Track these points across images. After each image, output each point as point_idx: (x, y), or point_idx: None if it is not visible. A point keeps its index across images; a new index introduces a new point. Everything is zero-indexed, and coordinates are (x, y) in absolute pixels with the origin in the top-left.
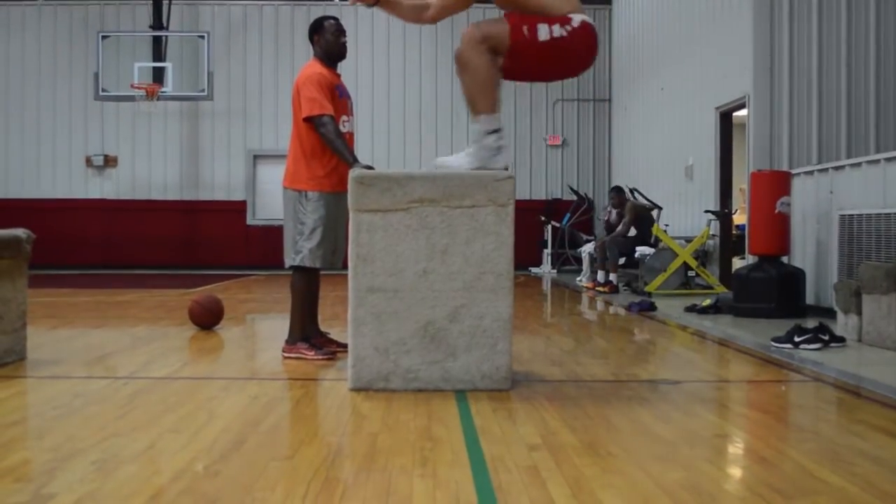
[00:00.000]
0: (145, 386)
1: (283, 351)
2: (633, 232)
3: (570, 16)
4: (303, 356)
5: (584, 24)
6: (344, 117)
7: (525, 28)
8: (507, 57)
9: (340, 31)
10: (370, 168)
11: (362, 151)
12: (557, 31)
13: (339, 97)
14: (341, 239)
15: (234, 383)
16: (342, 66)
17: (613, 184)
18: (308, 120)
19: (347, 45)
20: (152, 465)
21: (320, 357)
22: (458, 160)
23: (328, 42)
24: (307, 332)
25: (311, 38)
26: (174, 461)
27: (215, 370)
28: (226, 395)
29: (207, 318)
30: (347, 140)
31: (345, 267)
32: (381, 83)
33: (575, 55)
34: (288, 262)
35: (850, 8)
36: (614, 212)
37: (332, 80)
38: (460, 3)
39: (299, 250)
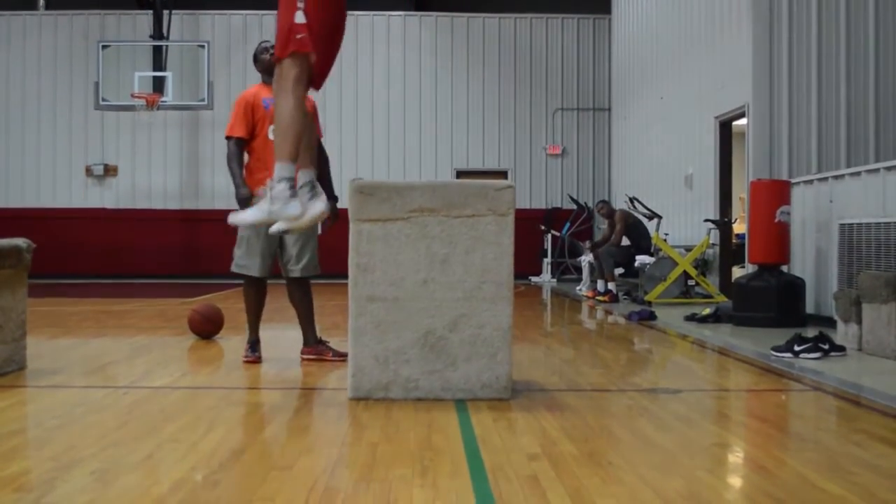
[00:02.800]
0: (145, 395)
1: (301, 353)
2: (625, 241)
3: None
4: (322, 357)
5: None
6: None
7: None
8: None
9: (266, 48)
10: (249, 198)
11: (363, 160)
12: None
13: (265, 108)
14: (269, 248)
15: (233, 393)
16: (346, 77)
17: (613, 193)
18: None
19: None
20: (152, 474)
21: (337, 358)
22: (251, 214)
23: (262, 62)
24: (254, 337)
25: (256, 68)
26: (173, 471)
27: (215, 380)
28: (225, 405)
29: (207, 328)
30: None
31: (345, 275)
32: (381, 91)
33: None
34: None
35: (850, 17)
36: (607, 222)
37: (255, 97)
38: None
39: (232, 257)
